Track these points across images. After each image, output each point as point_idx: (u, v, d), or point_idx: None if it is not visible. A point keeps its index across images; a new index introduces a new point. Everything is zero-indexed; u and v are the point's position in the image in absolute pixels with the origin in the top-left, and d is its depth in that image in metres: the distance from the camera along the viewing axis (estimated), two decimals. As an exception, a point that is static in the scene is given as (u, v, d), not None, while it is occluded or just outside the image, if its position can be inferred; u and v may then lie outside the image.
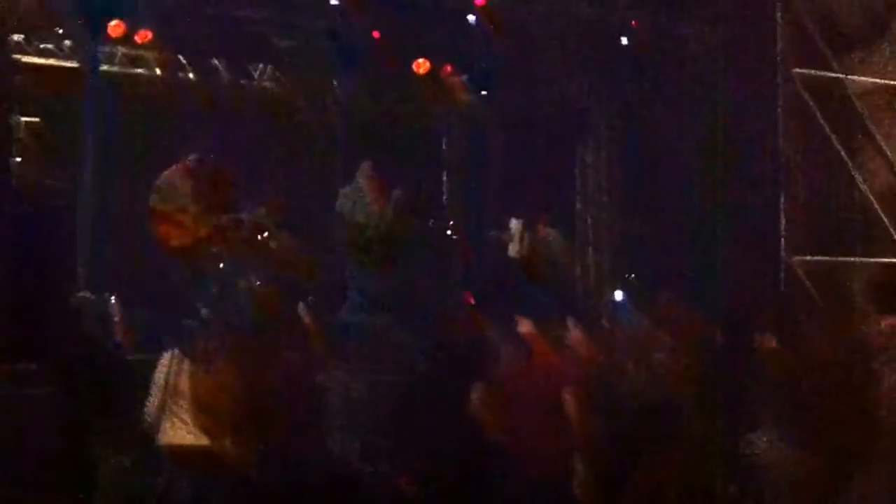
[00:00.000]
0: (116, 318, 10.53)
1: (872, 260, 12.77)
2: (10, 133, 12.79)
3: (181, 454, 7.54)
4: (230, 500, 7.46)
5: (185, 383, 7.57)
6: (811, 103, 12.63)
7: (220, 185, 12.30)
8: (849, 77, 12.95)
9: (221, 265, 12.97)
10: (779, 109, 12.85)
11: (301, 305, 8.71)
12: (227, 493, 7.44)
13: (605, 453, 7.47)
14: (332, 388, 8.23)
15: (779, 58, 12.80)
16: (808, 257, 12.78)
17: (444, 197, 16.83)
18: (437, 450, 7.76)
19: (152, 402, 7.67)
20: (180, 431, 7.51)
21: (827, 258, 12.84)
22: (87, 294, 10.81)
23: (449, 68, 15.84)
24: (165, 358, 7.77)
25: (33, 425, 8.59)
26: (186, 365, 7.62)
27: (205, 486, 7.49)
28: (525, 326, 7.87)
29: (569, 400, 7.46)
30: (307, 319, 8.48)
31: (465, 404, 7.56)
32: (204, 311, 8.97)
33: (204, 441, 7.42)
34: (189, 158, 12.01)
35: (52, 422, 8.46)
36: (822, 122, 12.64)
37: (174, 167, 12.02)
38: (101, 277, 11.87)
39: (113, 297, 10.93)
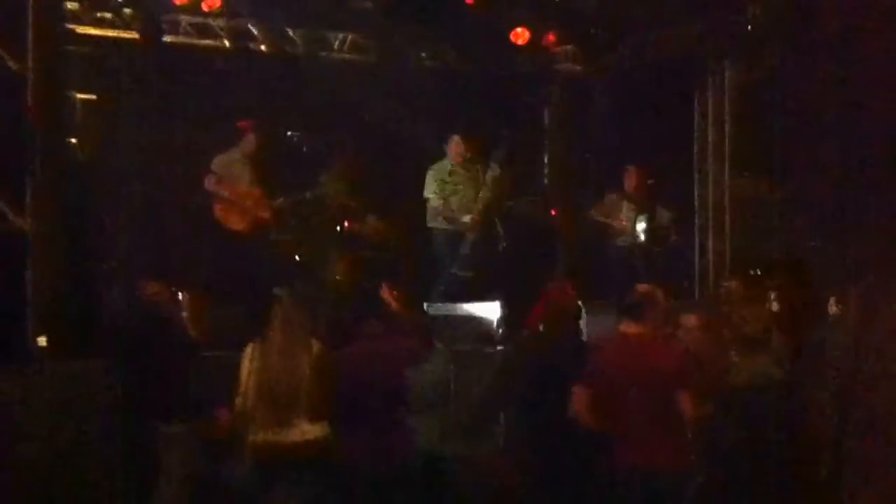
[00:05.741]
0: (186, 314, 10.52)
1: None
2: (66, 111, 12.97)
3: (270, 448, 7.84)
4: (317, 490, 7.77)
5: (271, 374, 7.83)
6: None
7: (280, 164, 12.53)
8: None
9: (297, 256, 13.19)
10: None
11: (386, 291, 8.85)
12: (313, 483, 7.77)
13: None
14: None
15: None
16: None
17: (545, 175, 16.69)
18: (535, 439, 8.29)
19: (240, 397, 7.94)
20: (269, 424, 7.81)
21: None
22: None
23: (552, 37, 15.71)
24: (248, 351, 8.02)
25: (99, 423, 8.76)
26: (273, 355, 7.87)
27: (291, 478, 7.79)
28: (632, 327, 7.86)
29: (683, 395, 7.67)
30: (395, 305, 8.64)
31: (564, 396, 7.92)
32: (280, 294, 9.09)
33: (293, 433, 7.79)
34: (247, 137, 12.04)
35: (119, 420, 8.67)
36: None
37: (234, 148, 12.07)
38: (166, 267, 11.88)
39: (180, 293, 10.94)
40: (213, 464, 8.73)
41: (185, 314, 10.12)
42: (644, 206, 13.64)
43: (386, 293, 8.90)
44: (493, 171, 13.60)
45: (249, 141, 12.19)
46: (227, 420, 8.15)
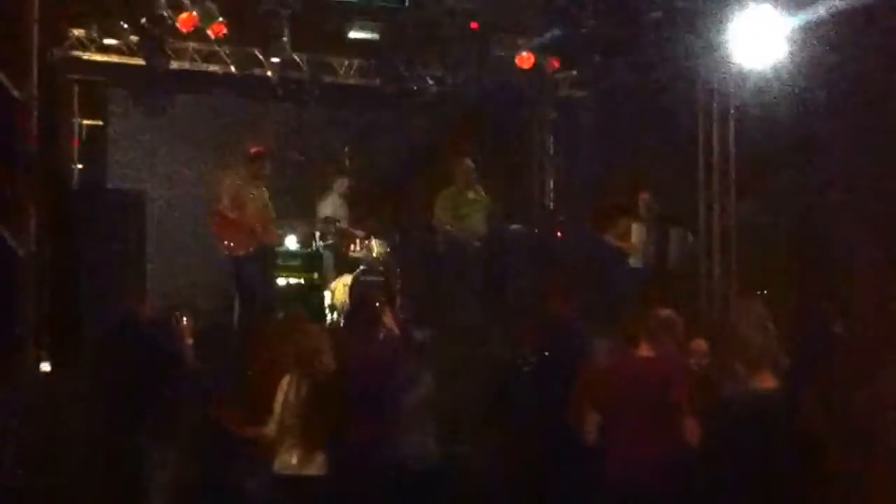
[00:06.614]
0: (189, 340, 10.54)
1: None
2: (71, 137, 13.12)
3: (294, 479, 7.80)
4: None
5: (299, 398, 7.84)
6: None
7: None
8: None
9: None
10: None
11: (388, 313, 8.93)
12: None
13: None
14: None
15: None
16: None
17: (551, 198, 16.83)
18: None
19: (272, 425, 7.92)
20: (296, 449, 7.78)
21: None
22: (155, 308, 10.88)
23: (556, 62, 15.83)
24: (284, 382, 7.97)
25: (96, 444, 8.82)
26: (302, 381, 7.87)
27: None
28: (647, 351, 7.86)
29: (678, 405, 7.61)
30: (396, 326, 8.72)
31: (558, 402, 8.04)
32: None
33: (314, 466, 7.76)
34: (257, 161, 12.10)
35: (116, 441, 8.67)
36: None
37: (239, 170, 12.11)
38: (172, 290, 11.96)
39: (185, 317, 10.97)
40: (206, 472, 8.75)
41: (180, 333, 10.26)
42: (655, 228, 13.65)
43: (388, 317, 8.95)
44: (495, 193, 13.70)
45: (259, 165, 12.11)
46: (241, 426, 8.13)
